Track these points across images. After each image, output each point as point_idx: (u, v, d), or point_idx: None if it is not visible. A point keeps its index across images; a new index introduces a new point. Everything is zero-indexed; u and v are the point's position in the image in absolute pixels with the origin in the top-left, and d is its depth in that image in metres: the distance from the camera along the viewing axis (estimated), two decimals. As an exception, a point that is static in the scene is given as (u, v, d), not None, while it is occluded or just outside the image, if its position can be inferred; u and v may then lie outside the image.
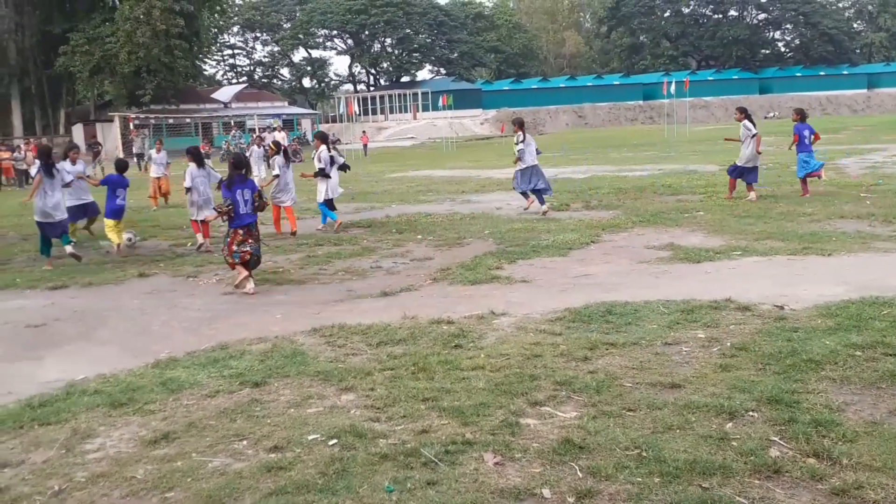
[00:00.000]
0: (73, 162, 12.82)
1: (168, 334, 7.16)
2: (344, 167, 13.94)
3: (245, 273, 8.78)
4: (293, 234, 12.91)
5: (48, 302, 8.75)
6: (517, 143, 14.22)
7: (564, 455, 4.13)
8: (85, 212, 13.12)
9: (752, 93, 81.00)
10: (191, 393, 5.40)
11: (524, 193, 14.45)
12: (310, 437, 4.51)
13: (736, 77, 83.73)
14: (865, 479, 3.71)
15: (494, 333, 6.51)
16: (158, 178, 19.10)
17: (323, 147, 13.49)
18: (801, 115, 14.60)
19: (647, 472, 3.88)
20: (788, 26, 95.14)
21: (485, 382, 5.27)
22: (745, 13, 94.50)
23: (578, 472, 3.95)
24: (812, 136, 14.33)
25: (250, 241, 8.89)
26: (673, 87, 46.04)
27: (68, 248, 11.03)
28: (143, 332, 7.29)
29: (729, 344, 5.85)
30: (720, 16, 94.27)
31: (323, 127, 65.81)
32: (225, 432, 4.67)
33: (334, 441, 4.43)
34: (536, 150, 14.41)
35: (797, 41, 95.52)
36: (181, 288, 9.25)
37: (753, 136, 14.09)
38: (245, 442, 4.53)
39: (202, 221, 12.04)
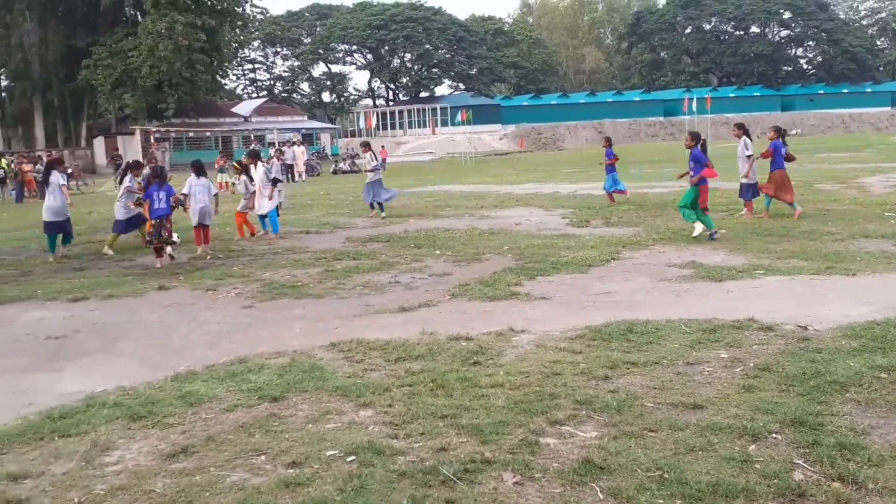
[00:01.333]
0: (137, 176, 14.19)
1: (187, 347, 7.18)
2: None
3: (158, 257, 12.05)
4: (252, 235, 15.04)
5: (68, 314, 8.80)
6: (371, 162, 17.72)
7: (585, 476, 4.08)
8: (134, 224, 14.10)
9: (775, 110, 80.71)
10: (209, 407, 5.40)
11: (371, 205, 17.74)
12: (328, 453, 4.49)
13: (758, 94, 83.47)
14: (893, 505, 3.63)
15: (513, 351, 6.47)
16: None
17: (261, 164, 15.24)
18: (608, 142, 19.24)
19: (669, 494, 3.83)
20: (811, 43, 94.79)
21: (504, 400, 5.23)
22: (766, 30, 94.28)
23: (599, 494, 3.90)
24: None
25: (162, 230, 12.07)
26: (694, 104, 45.89)
27: (59, 251, 13.36)
28: (163, 345, 7.31)
29: (752, 364, 5.78)
30: (742, 32, 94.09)
31: (342, 141, 66.26)
32: (243, 447, 4.66)
33: (352, 457, 4.41)
34: (382, 165, 18.64)
35: (820, 58, 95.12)
36: (200, 301, 9.28)
37: (748, 156, 14.19)
38: (263, 457, 4.52)
39: (202, 227, 13.13)
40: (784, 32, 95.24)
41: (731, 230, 12.80)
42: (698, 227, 12.00)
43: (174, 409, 5.36)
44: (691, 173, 12.20)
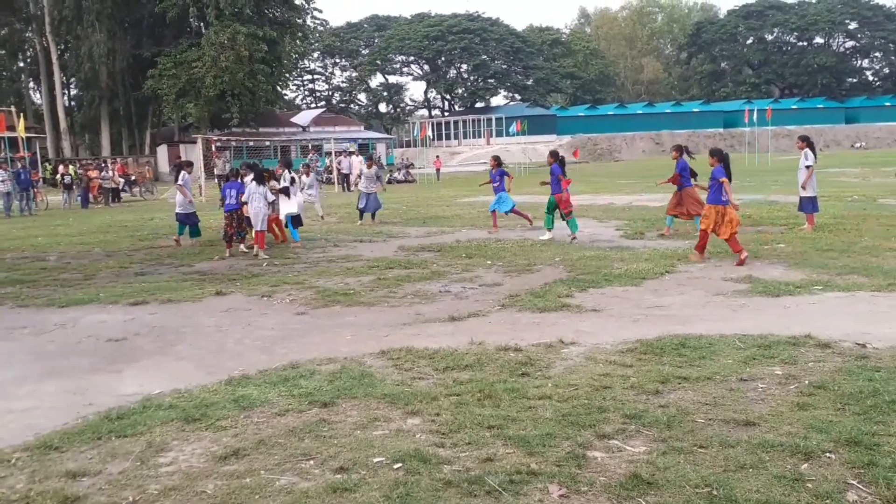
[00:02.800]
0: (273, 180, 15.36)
1: (241, 352, 7.32)
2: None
3: (228, 247, 14.06)
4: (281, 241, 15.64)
5: (129, 317, 9.04)
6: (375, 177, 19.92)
7: (632, 490, 4.04)
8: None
9: (838, 122, 78.85)
10: (261, 411, 5.50)
11: (360, 212, 19.30)
12: (375, 460, 4.53)
13: (821, 106, 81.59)
14: (952, 531, 3.52)
15: (563, 363, 6.44)
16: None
17: (285, 171, 15.84)
18: (497, 162, 17.18)
19: (718, 511, 3.77)
20: (877, 54, 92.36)
21: (552, 412, 5.21)
22: (831, 40, 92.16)
23: (646, 509, 3.85)
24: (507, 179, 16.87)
25: (234, 223, 13.99)
26: (755, 116, 45.09)
27: (186, 241, 15.70)
28: (218, 350, 7.46)
29: (807, 382, 5.65)
30: (805, 43, 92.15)
31: (397, 151, 66.81)
32: (293, 451, 4.74)
33: (399, 465, 4.44)
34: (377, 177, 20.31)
35: (886, 70, 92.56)
36: (256, 307, 9.45)
37: (808, 167, 13.91)
38: (312, 461, 4.58)
39: (259, 231, 13.92)
40: (849, 43, 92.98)
41: (791, 244, 12.52)
42: (546, 234, 14.54)
43: (227, 412, 5.47)
44: (552, 186, 14.44)
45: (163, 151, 58.05)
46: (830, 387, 5.50)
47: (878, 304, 8.24)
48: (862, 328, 7.11)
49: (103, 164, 37.00)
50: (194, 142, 45.38)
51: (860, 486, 4.00)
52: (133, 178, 39.07)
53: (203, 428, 5.20)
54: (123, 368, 6.89)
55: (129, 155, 55.30)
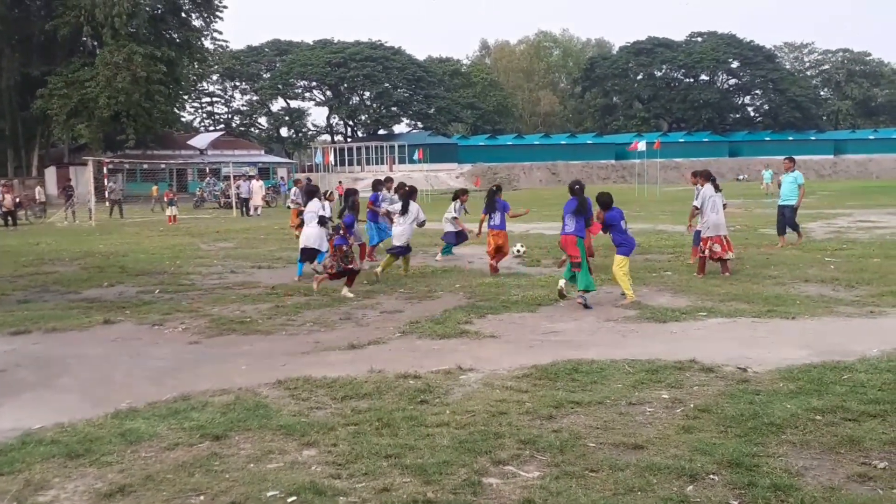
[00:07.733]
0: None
1: (130, 384, 7.05)
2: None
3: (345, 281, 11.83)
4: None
5: (9, 347, 8.58)
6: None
7: (525, 516, 4.10)
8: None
9: (722, 155, 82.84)
10: (149, 445, 5.31)
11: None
12: (268, 494, 4.44)
13: (706, 140, 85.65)
14: (822, 546, 3.72)
15: (461, 389, 6.50)
16: None
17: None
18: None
19: (607, 534, 3.86)
20: (758, 92, 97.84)
21: (449, 439, 5.24)
22: (715, 78, 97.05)
23: (538, 534, 3.92)
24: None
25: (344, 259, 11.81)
26: (643, 146, 46.98)
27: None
28: (105, 381, 7.17)
29: (692, 405, 5.89)
30: (691, 80, 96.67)
31: (300, 176, 66.07)
32: (182, 486, 4.59)
33: (293, 498, 4.37)
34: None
35: (766, 106, 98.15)
36: (146, 336, 9.13)
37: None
38: (202, 497, 4.45)
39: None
40: (732, 81, 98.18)
41: (677, 272, 13.05)
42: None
43: (113, 447, 5.26)
44: None
45: (51, 173, 55.55)
46: (714, 410, 5.74)
47: (758, 329, 8.67)
48: (743, 353, 7.47)
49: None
50: (85, 164, 43.64)
51: (740, 506, 4.18)
52: (18, 200, 37.20)
53: (87, 464, 4.98)
54: (2, 402, 6.53)
55: (14, 176, 52.64)
